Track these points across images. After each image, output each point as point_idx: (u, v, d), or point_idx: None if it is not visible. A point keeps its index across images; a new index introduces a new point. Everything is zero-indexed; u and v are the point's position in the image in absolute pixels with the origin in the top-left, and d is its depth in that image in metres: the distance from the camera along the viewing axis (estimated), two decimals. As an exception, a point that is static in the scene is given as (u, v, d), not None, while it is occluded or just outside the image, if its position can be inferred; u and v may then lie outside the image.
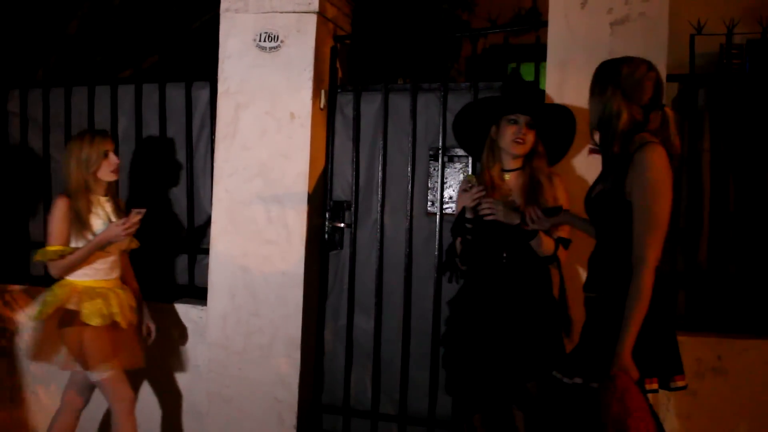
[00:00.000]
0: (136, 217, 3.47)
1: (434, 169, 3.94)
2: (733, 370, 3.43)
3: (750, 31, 4.01)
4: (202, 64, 4.33)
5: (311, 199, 3.92)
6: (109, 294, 3.57)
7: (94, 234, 3.52)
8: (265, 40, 3.92)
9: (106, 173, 3.61)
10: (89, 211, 3.57)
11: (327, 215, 4.09)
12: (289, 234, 3.89)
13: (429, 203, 3.97)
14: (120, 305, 3.58)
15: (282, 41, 3.90)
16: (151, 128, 4.39)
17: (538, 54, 3.65)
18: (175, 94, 4.35)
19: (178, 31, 6.10)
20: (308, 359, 4.01)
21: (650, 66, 2.63)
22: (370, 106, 4.05)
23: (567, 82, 3.45)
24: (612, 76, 2.61)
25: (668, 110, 2.63)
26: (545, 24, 3.57)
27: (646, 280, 2.45)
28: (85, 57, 6.05)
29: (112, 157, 3.61)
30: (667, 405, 3.45)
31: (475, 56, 3.95)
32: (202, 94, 4.30)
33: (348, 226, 4.08)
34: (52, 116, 4.61)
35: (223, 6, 3.99)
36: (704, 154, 3.70)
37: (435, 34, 5.35)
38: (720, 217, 3.66)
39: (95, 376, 3.48)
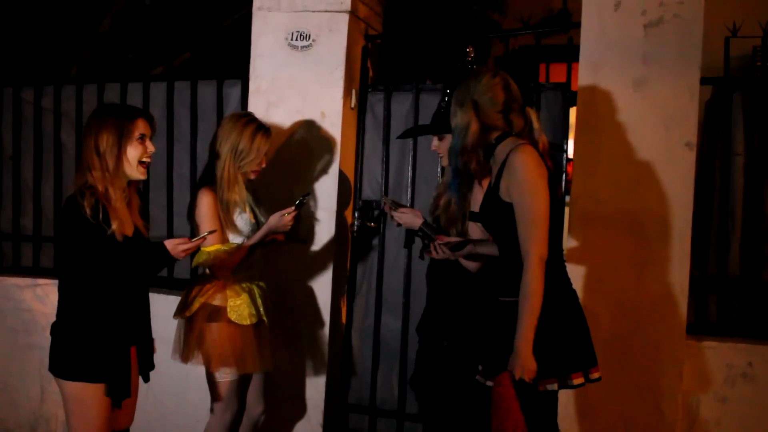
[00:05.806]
0: (295, 210, 3.25)
1: (464, 170, 3.93)
2: (764, 377, 3.39)
3: (785, 33, 3.96)
4: (233, 62, 4.35)
5: (340, 197, 3.94)
6: (254, 289, 3.33)
7: (236, 230, 3.26)
8: (296, 39, 3.93)
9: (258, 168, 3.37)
10: (237, 204, 3.26)
11: (356, 214, 4.09)
12: (318, 232, 3.91)
13: (458, 203, 3.95)
14: (264, 302, 3.35)
15: (314, 40, 3.91)
16: (183, 125, 4.42)
17: (569, 55, 3.63)
18: (207, 91, 4.36)
19: (210, 29, 6.16)
20: (335, 358, 4.03)
21: (495, 72, 2.72)
22: (401, 105, 4.06)
23: (600, 84, 3.42)
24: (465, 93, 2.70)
25: (529, 110, 2.71)
26: (577, 25, 3.54)
27: (534, 272, 2.46)
28: (117, 54, 6.13)
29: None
30: (696, 410, 3.42)
31: (507, 57, 3.94)
32: (233, 92, 4.31)
33: (377, 225, 4.09)
34: (85, 112, 4.59)
35: (255, 4, 4.01)
36: (738, 158, 3.65)
37: (466, 34, 5.33)
38: (753, 222, 3.62)
39: (219, 376, 3.22)
